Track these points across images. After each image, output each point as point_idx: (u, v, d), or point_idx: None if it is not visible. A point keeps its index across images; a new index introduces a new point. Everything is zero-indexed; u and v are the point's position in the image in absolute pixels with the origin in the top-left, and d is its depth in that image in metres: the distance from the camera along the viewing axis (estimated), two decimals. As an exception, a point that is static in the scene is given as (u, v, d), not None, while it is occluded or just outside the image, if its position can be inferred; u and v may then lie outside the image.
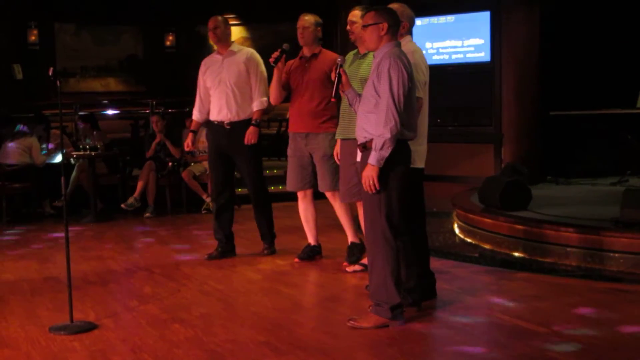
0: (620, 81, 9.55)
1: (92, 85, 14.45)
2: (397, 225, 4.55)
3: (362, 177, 4.53)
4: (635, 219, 6.04)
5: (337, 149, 5.94)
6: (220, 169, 6.82)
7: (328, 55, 6.27)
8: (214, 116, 6.76)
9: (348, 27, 6.06)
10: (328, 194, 6.26)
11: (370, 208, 4.60)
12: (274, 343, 4.38)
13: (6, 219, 9.26)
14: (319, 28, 6.29)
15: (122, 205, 9.55)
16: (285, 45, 6.25)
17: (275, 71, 6.27)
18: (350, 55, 5.76)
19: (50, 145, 10.05)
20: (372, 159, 4.47)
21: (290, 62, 6.40)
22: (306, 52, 6.31)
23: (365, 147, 4.59)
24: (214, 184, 6.90)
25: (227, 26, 6.91)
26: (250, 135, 6.60)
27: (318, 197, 6.45)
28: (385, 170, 4.48)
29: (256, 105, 6.71)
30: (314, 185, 6.39)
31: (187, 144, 6.85)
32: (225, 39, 6.83)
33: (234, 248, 6.94)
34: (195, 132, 6.93)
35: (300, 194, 6.44)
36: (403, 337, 4.44)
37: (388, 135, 4.42)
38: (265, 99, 6.73)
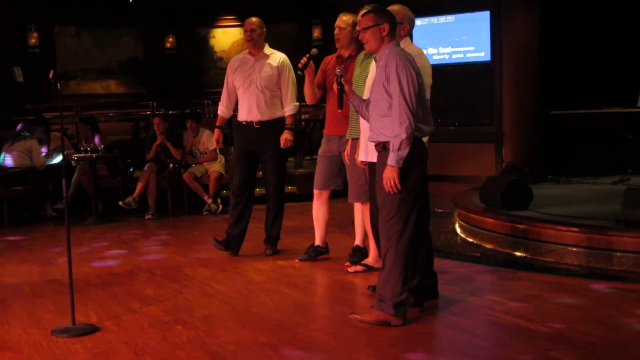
0: (620, 80, 9.55)
1: (93, 88, 14.46)
2: (411, 226, 4.56)
3: (383, 178, 4.53)
4: (636, 218, 6.04)
5: (347, 149, 5.93)
6: (245, 168, 6.88)
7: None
8: (243, 116, 6.83)
9: (336, 32, 6.09)
10: (359, 204, 6.19)
11: (388, 208, 4.60)
12: (277, 344, 4.38)
13: (8, 222, 9.26)
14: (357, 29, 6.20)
15: (120, 203, 9.55)
16: (313, 51, 6.24)
17: (306, 76, 6.21)
18: (361, 55, 5.75)
19: (44, 149, 10.03)
20: (392, 160, 4.48)
21: (328, 58, 6.36)
22: (343, 52, 6.20)
23: (385, 148, 4.60)
24: (238, 180, 6.91)
25: (263, 29, 6.92)
26: (286, 140, 6.71)
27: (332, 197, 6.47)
28: (404, 171, 4.50)
29: (288, 110, 6.80)
30: (337, 186, 6.39)
31: (217, 139, 6.99)
32: (260, 42, 6.88)
33: (239, 248, 6.95)
34: (221, 128, 7.02)
35: (316, 193, 6.42)
36: (405, 337, 4.43)
37: (404, 135, 4.44)
38: (297, 103, 6.88)
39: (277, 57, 6.86)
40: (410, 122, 4.44)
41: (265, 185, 7.01)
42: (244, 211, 6.90)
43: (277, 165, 6.85)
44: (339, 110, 5.14)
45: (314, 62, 6.19)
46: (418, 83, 4.52)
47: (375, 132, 4.66)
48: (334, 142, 6.24)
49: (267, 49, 6.91)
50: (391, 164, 4.48)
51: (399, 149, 4.45)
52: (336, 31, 6.16)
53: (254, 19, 6.86)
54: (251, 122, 6.79)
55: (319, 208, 6.44)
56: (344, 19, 6.15)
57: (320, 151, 6.40)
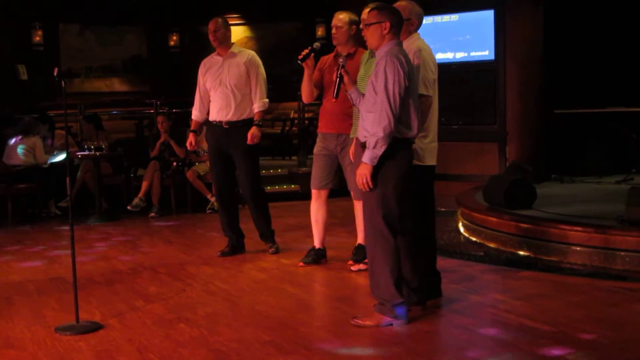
0: (625, 79, 9.54)
1: (97, 86, 14.48)
2: (394, 224, 4.55)
3: (356, 175, 4.54)
4: (640, 217, 6.04)
5: (352, 148, 5.93)
6: (220, 168, 6.89)
7: (360, 56, 6.02)
8: (213, 116, 6.84)
9: (333, 31, 6.08)
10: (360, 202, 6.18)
11: (368, 207, 4.61)
12: (280, 342, 4.39)
13: (12, 220, 9.27)
14: (354, 26, 6.11)
15: (128, 207, 9.57)
16: (316, 44, 6.18)
17: (305, 69, 6.15)
18: (366, 54, 5.75)
19: (49, 142, 10.06)
20: (366, 157, 4.48)
21: (325, 58, 6.34)
22: (341, 51, 6.18)
23: (364, 146, 4.60)
24: (216, 183, 7.00)
25: (228, 28, 6.93)
26: (253, 136, 6.67)
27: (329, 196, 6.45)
28: (380, 169, 4.49)
29: (257, 107, 6.77)
30: (334, 186, 6.38)
31: (190, 142, 6.95)
32: (225, 41, 6.87)
33: (244, 245, 7.00)
34: (195, 132, 7.00)
35: (314, 194, 6.38)
36: (408, 336, 4.44)
37: (381, 134, 4.42)
38: (266, 100, 6.82)
39: (244, 55, 6.84)
40: (390, 122, 4.41)
41: (241, 185, 7.02)
42: (232, 213, 6.94)
43: (249, 164, 6.81)
44: (334, 100, 5.11)
45: (314, 56, 6.13)
46: (406, 86, 4.48)
47: (361, 127, 4.67)
48: (331, 141, 6.22)
49: (235, 48, 6.90)
50: (365, 160, 4.48)
51: (374, 147, 4.44)
52: (333, 30, 6.16)
53: (219, 19, 6.85)
54: (220, 122, 6.77)
55: (318, 209, 6.39)
56: (340, 18, 6.15)
57: (315, 150, 6.36)
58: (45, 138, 10.03)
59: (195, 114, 6.98)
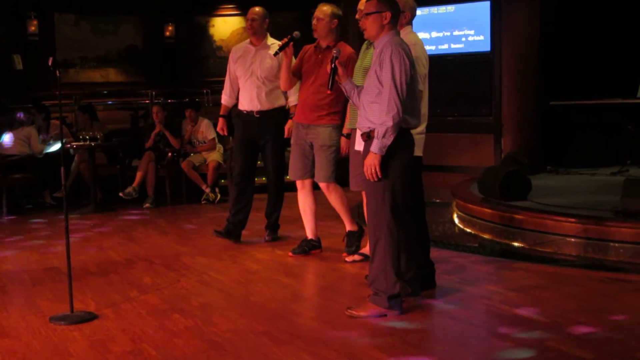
0: (620, 71, 9.54)
1: (92, 76, 14.42)
2: (400, 215, 4.55)
3: (365, 165, 4.52)
4: (635, 209, 6.04)
5: (342, 140, 5.95)
6: (246, 156, 6.95)
7: (343, 49, 6.00)
8: (244, 106, 6.89)
9: (314, 22, 6.08)
10: (322, 185, 6.23)
11: (374, 198, 4.60)
12: (274, 333, 4.39)
13: (7, 210, 9.26)
14: (335, 20, 6.10)
15: (120, 194, 9.56)
16: (295, 33, 6.16)
17: (284, 58, 6.18)
18: (364, 45, 5.74)
19: (45, 136, 10.03)
20: (375, 147, 4.46)
21: (306, 47, 6.33)
22: (321, 43, 6.19)
23: (369, 137, 4.59)
24: (239, 169, 6.98)
25: (265, 19, 6.93)
26: (289, 130, 6.71)
27: (317, 188, 6.44)
28: (388, 159, 4.48)
29: (293, 101, 6.81)
30: (311, 176, 6.38)
31: (221, 128, 7.00)
32: (261, 32, 6.90)
33: (240, 236, 7.02)
34: (225, 117, 7.03)
35: (299, 184, 6.42)
36: (402, 326, 4.44)
37: (390, 123, 4.41)
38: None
39: (277, 48, 6.84)
40: (398, 111, 4.41)
41: (266, 174, 7.07)
42: (245, 201, 6.98)
43: (276, 154, 6.92)
44: (329, 92, 5.11)
45: (293, 44, 6.13)
46: (411, 74, 4.49)
47: (363, 117, 4.65)
48: (302, 130, 6.26)
49: (269, 39, 6.93)
50: (374, 150, 4.46)
51: (384, 136, 4.43)
52: (314, 21, 6.15)
53: (257, 9, 6.88)
54: (251, 112, 6.83)
55: (304, 199, 6.42)
56: (323, 9, 6.13)
57: (292, 139, 6.41)
58: (41, 129, 9.99)
59: (225, 98, 7.04)
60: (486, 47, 9.95)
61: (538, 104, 9.79)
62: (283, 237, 7.09)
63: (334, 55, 4.85)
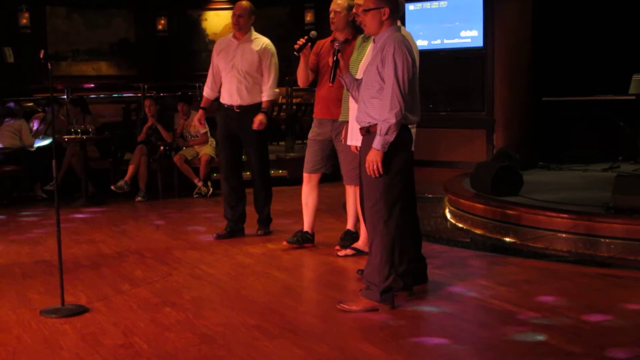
0: (613, 67, 9.55)
1: (84, 69, 14.40)
2: (398, 211, 4.56)
3: (366, 161, 4.52)
4: (626, 205, 6.06)
5: (343, 132, 5.89)
6: (230, 150, 6.96)
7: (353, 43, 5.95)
8: (225, 100, 6.88)
9: (331, 16, 6.03)
10: (351, 187, 6.14)
11: (372, 193, 4.60)
12: (265, 326, 4.39)
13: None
14: (352, 12, 6.00)
15: (112, 187, 9.54)
16: (312, 33, 6.09)
17: (302, 58, 6.12)
18: (359, 40, 5.72)
19: (36, 125, 10.00)
20: (377, 143, 4.47)
21: (322, 42, 6.29)
22: (338, 36, 6.10)
23: (368, 131, 4.59)
24: (225, 165, 7.01)
25: (252, 16, 6.90)
26: (259, 122, 6.72)
27: (322, 182, 6.44)
28: (388, 155, 4.48)
29: (266, 96, 6.81)
30: (326, 170, 6.37)
31: (199, 119, 7.12)
32: (246, 28, 6.88)
33: (243, 229, 7.05)
34: (205, 109, 7.07)
35: (305, 177, 6.37)
36: (394, 320, 4.45)
37: (393, 121, 4.42)
38: (277, 90, 6.93)
39: (259, 42, 6.85)
40: (401, 107, 4.43)
41: (250, 169, 7.07)
42: (238, 196, 6.98)
43: (258, 148, 6.89)
44: (331, 85, 5.08)
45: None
46: (413, 72, 4.50)
47: (362, 112, 4.64)
48: (326, 126, 6.21)
49: (253, 34, 6.90)
50: (376, 147, 4.47)
51: (386, 133, 4.44)
52: (331, 15, 6.10)
53: (244, 4, 6.84)
54: (232, 106, 6.83)
55: (308, 193, 6.39)
56: (339, 3, 6.07)
57: (310, 135, 6.36)
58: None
59: (207, 91, 7.04)
60: (479, 42, 9.95)
61: (530, 99, 9.79)
62: (275, 232, 7.08)
63: (337, 47, 4.84)
